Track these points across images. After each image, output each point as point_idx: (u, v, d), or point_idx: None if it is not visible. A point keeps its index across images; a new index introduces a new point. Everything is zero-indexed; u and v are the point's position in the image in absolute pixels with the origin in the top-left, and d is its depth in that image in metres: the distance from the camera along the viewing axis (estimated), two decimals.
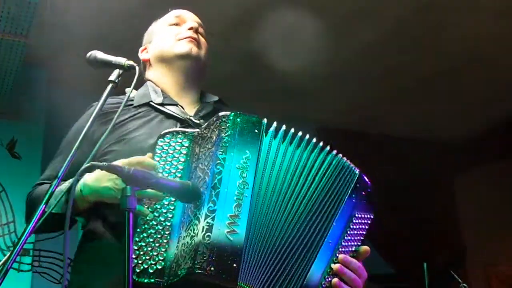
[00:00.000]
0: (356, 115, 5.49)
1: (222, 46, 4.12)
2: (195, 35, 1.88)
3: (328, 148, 1.61)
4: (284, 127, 1.55)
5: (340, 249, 1.57)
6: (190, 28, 1.88)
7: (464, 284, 3.38)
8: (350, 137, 5.63)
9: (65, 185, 1.43)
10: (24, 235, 1.24)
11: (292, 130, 1.56)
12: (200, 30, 1.94)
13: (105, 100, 1.54)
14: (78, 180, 1.50)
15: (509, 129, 5.54)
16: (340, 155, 1.62)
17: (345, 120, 5.57)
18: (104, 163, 1.33)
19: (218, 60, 4.09)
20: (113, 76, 1.58)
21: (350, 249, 1.60)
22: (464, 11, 3.92)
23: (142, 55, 1.98)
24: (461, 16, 3.98)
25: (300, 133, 1.57)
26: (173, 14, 1.96)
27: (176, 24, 1.93)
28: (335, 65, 4.55)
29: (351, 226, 1.60)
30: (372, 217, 1.65)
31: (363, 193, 1.63)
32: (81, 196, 1.52)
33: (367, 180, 1.66)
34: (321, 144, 1.60)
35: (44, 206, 1.30)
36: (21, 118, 4.37)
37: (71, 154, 1.39)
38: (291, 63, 4.36)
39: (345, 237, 1.59)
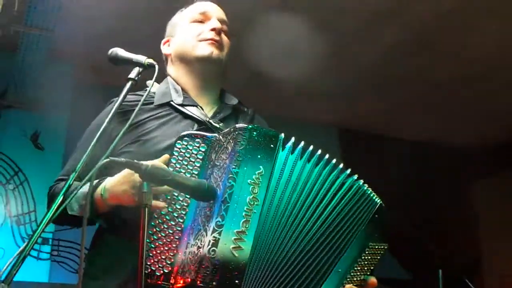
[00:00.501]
0: (376, 119, 5.46)
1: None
2: (217, 37, 1.83)
3: (348, 171, 1.58)
4: (302, 143, 1.53)
5: (347, 278, 1.56)
6: (213, 29, 1.83)
7: None
8: (369, 140, 5.60)
9: (86, 188, 1.44)
10: (39, 229, 1.27)
11: (311, 147, 1.54)
12: (224, 28, 1.88)
13: (124, 98, 1.57)
14: (99, 183, 1.54)
15: None
16: (361, 181, 1.60)
17: (364, 123, 5.55)
18: (122, 159, 1.35)
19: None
20: (132, 74, 1.60)
21: (358, 278, 1.59)
22: (485, 17, 3.88)
23: (164, 48, 1.95)
24: (483, 22, 3.93)
25: (319, 151, 1.55)
26: (198, 10, 1.90)
27: (200, 21, 1.88)
28: (355, 68, 4.52)
29: (363, 257, 1.59)
30: (386, 247, 1.64)
31: (380, 224, 1.62)
32: (101, 200, 1.54)
33: (385, 210, 1.63)
34: (341, 165, 1.57)
35: (60, 205, 1.33)
36: (45, 111, 4.43)
37: (87, 152, 1.42)
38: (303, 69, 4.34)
39: (355, 267, 1.58)
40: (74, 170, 1.64)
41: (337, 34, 4.09)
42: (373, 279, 1.61)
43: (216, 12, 1.91)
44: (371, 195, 1.62)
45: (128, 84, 1.58)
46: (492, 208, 5.76)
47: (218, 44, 1.83)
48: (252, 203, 1.41)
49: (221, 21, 1.88)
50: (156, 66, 1.60)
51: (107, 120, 1.50)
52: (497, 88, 4.81)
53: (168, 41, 1.95)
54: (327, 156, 1.56)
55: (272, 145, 1.48)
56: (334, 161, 1.56)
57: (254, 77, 4.53)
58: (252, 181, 1.42)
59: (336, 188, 1.55)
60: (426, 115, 5.35)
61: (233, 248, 1.36)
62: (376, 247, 1.62)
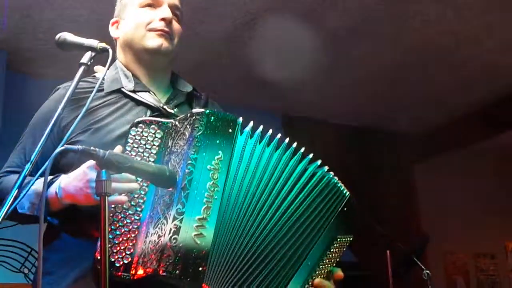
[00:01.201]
0: (320, 105, 5.52)
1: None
2: (167, 28, 1.75)
3: (310, 156, 1.57)
4: (261, 127, 1.51)
5: (316, 270, 1.57)
6: (163, 19, 1.75)
7: (427, 271, 3.45)
8: (311, 126, 5.65)
9: (38, 185, 1.38)
10: None
11: (270, 131, 1.52)
12: (176, 13, 1.82)
13: (77, 84, 1.50)
14: (53, 181, 1.47)
15: (468, 120, 5.67)
16: (331, 173, 1.60)
17: (307, 110, 5.59)
18: (78, 146, 1.28)
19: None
20: (85, 59, 1.55)
21: (325, 270, 1.60)
22: (427, 2, 3.97)
23: (112, 30, 1.87)
24: (424, 7, 4.03)
25: (279, 135, 1.54)
26: None
27: (151, 6, 1.79)
28: (297, 54, 4.54)
29: (331, 249, 1.60)
30: (351, 238, 1.65)
31: (348, 216, 1.62)
32: (56, 199, 1.47)
33: (353, 202, 1.64)
34: (302, 149, 1.56)
35: (13, 201, 1.27)
36: None
37: (42, 141, 1.35)
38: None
39: (323, 259, 1.58)
40: (24, 161, 1.56)
41: (280, 19, 4.07)
42: (339, 272, 1.62)
43: None
44: (341, 187, 1.62)
45: (81, 69, 1.52)
46: (432, 189, 5.96)
47: (168, 35, 1.76)
48: (213, 189, 1.38)
49: (173, 7, 1.81)
50: (110, 51, 1.54)
51: (61, 106, 1.44)
52: (432, 73, 4.96)
53: (117, 22, 1.86)
54: (287, 140, 1.55)
55: (230, 130, 1.45)
56: (294, 145, 1.55)
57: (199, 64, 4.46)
58: (212, 167, 1.40)
59: (299, 174, 1.54)
60: (367, 100, 5.45)
61: (195, 235, 1.33)
62: (344, 239, 1.63)
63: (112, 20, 1.88)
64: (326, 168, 1.59)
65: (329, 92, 5.25)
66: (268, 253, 1.47)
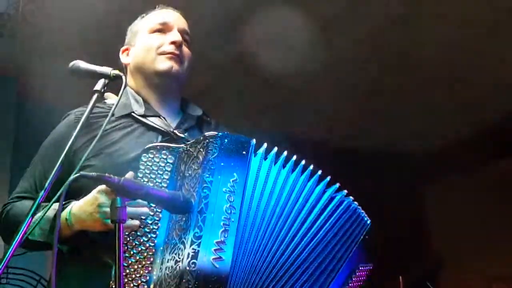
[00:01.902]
0: (327, 128, 5.52)
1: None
2: (177, 51, 1.77)
3: (328, 178, 1.56)
4: (275, 149, 1.51)
5: None
6: (173, 42, 1.78)
7: None
8: (319, 150, 5.64)
9: (51, 211, 1.38)
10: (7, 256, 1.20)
11: (285, 153, 1.51)
12: (185, 38, 1.84)
13: (91, 110, 1.51)
14: (64, 207, 1.47)
15: (478, 141, 5.64)
16: (351, 197, 1.59)
17: (312, 132, 5.59)
18: (93, 173, 1.29)
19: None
20: (98, 86, 1.55)
21: None
22: (428, 23, 3.99)
23: (122, 57, 1.89)
24: (425, 29, 4.05)
25: (294, 157, 1.53)
26: (158, 20, 1.84)
27: (161, 31, 1.82)
28: (308, 75, 4.56)
29: (353, 278, 1.58)
30: (372, 267, 1.63)
31: (369, 245, 1.61)
32: (66, 225, 1.47)
33: (372, 229, 1.63)
34: (319, 172, 1.55)
35: (26, 229, 1.26)
36: None
37: (56, 167, 1.36)
38: None
39: None
40: (34, 186, 1.56)
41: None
42: None
43: (177, 22, 1.85)
44: (362, 214, 1.60)
45: (94, 97, 1.53)
46: (443, 214, 5.91)
47: (178, 58, 1.78)
48: (229, 211, 1.36)
49: (182, 31, 1.84)
50: (124, 77, 1.54)
51: (75, 134, 1.44)
52: (440, 94, 4.95)
53: (127, 49, 1.89)
54: (303, 162, 1.53)
55: (244, 152, 1.44)
56: (311, 167, 1.54)
57: None
58: (227, 189, 1.38)
59: (324, 203, 1.53)
60: (372, 122, 5.45)
61: (213, 259, 1.32)
62: (364, 268, 1.61)
63: (122, 48, 1.91)
64: (345, 192, 1.57)
65: (329, 114, 5.24)
66: (288, 278, 1.44)
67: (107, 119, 1.46)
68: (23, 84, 4.45)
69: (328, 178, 1.56)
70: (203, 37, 3.77)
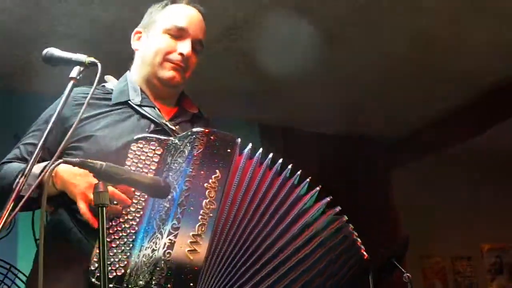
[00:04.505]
0: (294, 114, 5.57)
1: None
2: (183, 64, 1.78)
3: (318, 188, 1.62)
4: (261, 150, 1.56)
5: None
6: (181, 54, 1.77)
7: (407, 274, 3.49)
8: (287, 136, 5.70)
9: (38, 167, 1.41)
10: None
11: (271, 155, 1.57)
12: (197, 48, 1.83)
13: (67, 97, 1.50)
14: (50, 176, 1.47)
15: (442, 123, 5.78)
16: (350, 226, 1.65)
17: (284, 118, 5.64)
18: (77, 159, 1.31)
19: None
20: (73, 73, 1.53)
21: None
22: (400, 11, 4.06)
23: (133, 40, 1.88)
24: (395, 16, 4.12)
25: (280, 160, 1.58)
26: (176, 23, 1.80)
27: (175, 36, 1.80)
28: (277, 65, 4.60)
29: None
30: None
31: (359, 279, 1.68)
32: (50, 182, 1.51)
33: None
34: (308, 179, 1.61)
35: (17, 183, 1.28)
36: None
37: (42, 140, 1.37)
38: None
39: None
40: (23, 157, 1.62)
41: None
42: None
43: (194, 30, 1.82)
44: (357, 245, 1.67)
45: (70, 84, 1.52)
46: (408, 196, 6.06)
47: (182, 69, 1.79)
48: (209, 206, 1.41)
49: (196, 42, 1.82)
50: (99, 65, 1.54)
51: (59, 106, 1.44)
52: (407, 79, 5.05)
53: (140, 33, 1.88)
54: (290, 166, 1.59)
55: (229, 150, 1.49)
56: (299, 173, 1.61)
57: None
58: (209, 185, 1.43)
59: (308, 208, 1.59)
60: (342, 109, 5.53)
61: (188, 251, 1.36)
62: None
63: (136, 29, 1.90)
64: (345, 218, 1.65)
65: (303, 100, 5.31)
66: (263, 280, 1.49)
67: (84, 106, 1.43)
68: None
69: (318, 188, 1.63)
70: None
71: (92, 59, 1.57)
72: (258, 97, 5.09)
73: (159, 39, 1.81)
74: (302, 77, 4.79)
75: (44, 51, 1.60)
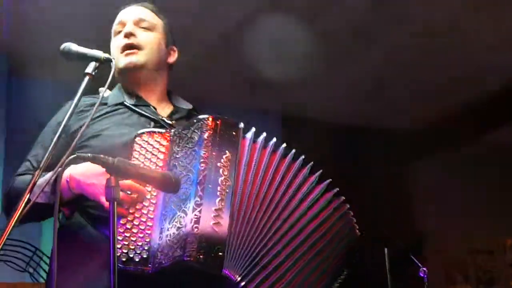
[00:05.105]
0: (314, 104, 5.57)
1: None
2: (129, 41, 1.83)
3: (319, 172, 1.73)
4: (264, 134, 1.67)
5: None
6: (125, 36, 1.84)
7: (424, 268, 3.50)
8: (307, 126, 5.69)
9: (49, 175, 1.43)
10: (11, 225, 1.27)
11: (274, 139, 1.68)
12: (142, 25, 1.88)
13: (82, 93, 1.53)
14: (63, 170, 1.52)
15: (463, 118, 5.72)
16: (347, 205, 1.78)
17: (305, 110, 5.65)
18: (89, 154, 1.36)
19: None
20: (89, 69, 1.57)
21: None
22: (415, 4, 4.04)
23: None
24: (414, 7, 4.09)
25: (284, 145, 1.69)
26: (117, 21, 1.92)
27: (120, 32, 1.88)
28: (296, 56, 4.61)
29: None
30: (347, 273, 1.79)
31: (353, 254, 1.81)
32: (67, 187, 1.56)
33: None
34: (311, 164, 1.72)
35: (27, 195, 1.32)
36: None
37: (51, 147, 1.41)
38: None
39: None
40: (36, 167, 1.63)
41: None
42: None
43: (132, 15, 1.90)
44: (354, 226, 1.80)
45: (86, 79, 1.55)
46: (428, 189, 6.02)
47: (132, 49, 1.84)
48: (225, 183, 1.53)
49: (136, 21, 1.89)
50: (113, 61, 1.58)
51: (67, 115, 1.49)
52: (428, 71, 5.01)
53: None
54: (293, 151, 1.70)
55: (234, 133, 1.62)
56: (302, 156, 1.71)
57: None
58: (222, 164, 1.55)
59: (316, 198, 1.71)
60: (361, 101, 5.51)
61: (213, 224, 1.47)
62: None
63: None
64: (343, 198, 1.78)
65: (323, 93, 5.31)
66: (280, 249, 1.60)
67: (97, 103, 1.51)
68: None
69: (320, 171, 1.74)
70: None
71: (107, 55, 1.61)
72: (279, 88, 5.12)
73: (112, 44, 1.90)
74: (320, 70, 4.80)
75: (62, 46, 1.64)
